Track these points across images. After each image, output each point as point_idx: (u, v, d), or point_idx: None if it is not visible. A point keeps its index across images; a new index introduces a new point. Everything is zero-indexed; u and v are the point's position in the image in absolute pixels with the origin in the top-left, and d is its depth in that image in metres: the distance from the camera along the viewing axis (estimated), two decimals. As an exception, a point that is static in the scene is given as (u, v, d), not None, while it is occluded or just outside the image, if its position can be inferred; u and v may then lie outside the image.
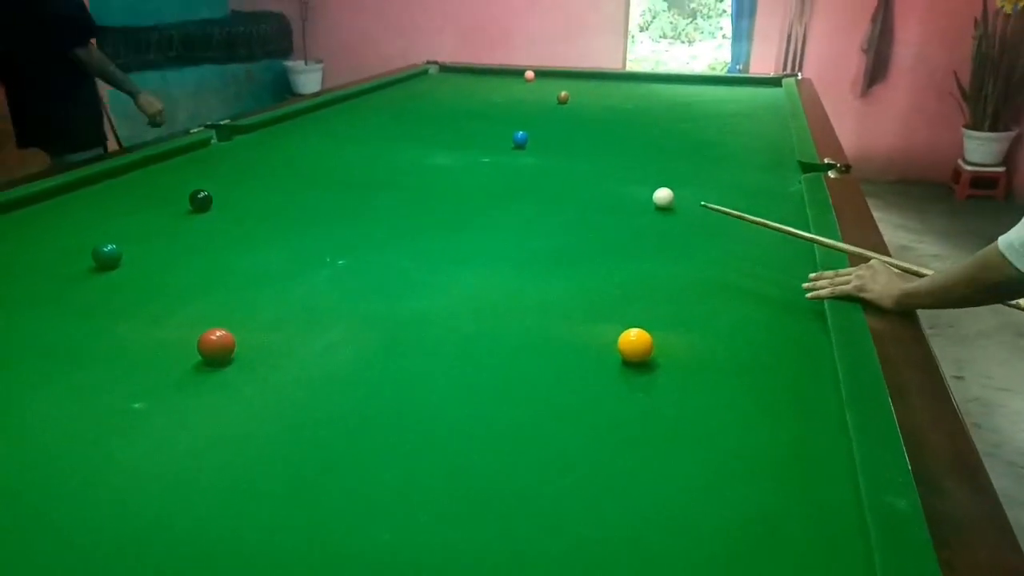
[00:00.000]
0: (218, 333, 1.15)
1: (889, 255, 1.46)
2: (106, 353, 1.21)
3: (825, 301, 1.31)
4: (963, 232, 4.66)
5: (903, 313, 1.26)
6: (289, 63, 6.14)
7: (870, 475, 0.86)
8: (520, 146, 2.56)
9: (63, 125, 2.71)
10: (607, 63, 5.72)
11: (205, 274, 1.53)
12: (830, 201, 1.87)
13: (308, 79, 6.05)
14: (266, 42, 5.99)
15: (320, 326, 1.29)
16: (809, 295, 1.35)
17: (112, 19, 4.77)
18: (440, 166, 2.39)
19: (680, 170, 2.35)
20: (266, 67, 6.06)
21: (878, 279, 1.31)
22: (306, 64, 6.15)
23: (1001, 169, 5.10)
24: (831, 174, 2.11)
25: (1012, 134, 5.05)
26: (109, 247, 1.52)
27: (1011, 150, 5.11)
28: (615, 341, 1.17)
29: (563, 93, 3.41)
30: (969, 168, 5.15)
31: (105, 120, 2.96)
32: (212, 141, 2.58)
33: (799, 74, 3.93)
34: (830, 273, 1.39)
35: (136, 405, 1.05)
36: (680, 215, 1.89)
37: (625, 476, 0.92)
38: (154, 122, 2.82)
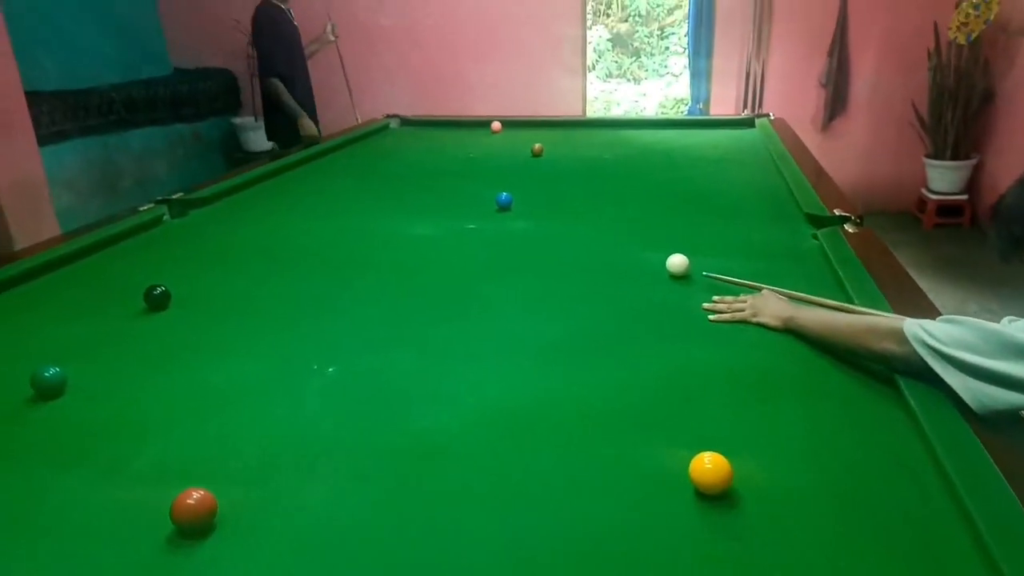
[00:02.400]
0: (196, 495, 0.91)
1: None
2: (49, 521, 0.96)
3: (908, 397, 1.14)
4: (935, 261, 4.62)
5: (1009, 415, 1.08)
6: (237, 120, 5.90)
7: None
8: (505, 208, 2.37)
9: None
10: (567, 106, 5.63)
11: (168, 397, 1.27)
12: (858, 260, 1.72)
13: (258, 136, 5.79)
14: (213, 99, 5.75)
15: (317, 468, 1.05)
16: (711, 318, 1.51)
17: (45, 83, 4.49)
18: (422, 236, 2.17)
19: (680, 228, 2.18)
20: (213, 125, 5.80)
21: (769, 305, 1.48)
22: (256, 120, 5.90)
23: (965, 197, 5.11)
24: (848, 228, 1.97)
25: (973, 162, 5.07)
26: (51, 370, 1.27)
27: (973, 177, 5.13)
28: (676, 461, 0.97)
29: (537, 145, 3.25)
30: (934, 197, 5.16)
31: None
32: (164, 218, 2.33)
33: (771, 114, 3.85)
34: (729, 298, 1.56)
35: (91, 607, 0.81)
36: (699, 283, 1.71)
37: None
38: (308, 143, 3.64)
